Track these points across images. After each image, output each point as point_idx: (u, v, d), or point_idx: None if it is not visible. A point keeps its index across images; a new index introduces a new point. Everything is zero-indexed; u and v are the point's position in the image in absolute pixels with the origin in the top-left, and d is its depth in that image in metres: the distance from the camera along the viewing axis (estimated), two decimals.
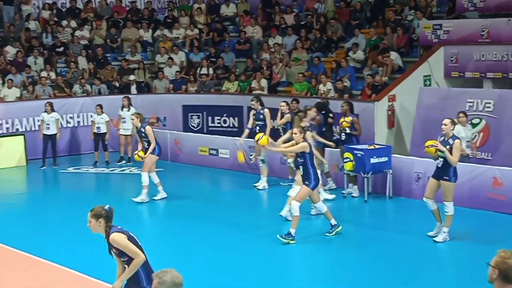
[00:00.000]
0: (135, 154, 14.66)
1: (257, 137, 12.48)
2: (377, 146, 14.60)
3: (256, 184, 15.61)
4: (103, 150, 18.57)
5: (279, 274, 10.21)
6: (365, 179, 14.20)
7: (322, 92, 18.53)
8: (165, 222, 13.58)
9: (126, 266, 6.78)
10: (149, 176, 14.42)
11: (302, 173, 11.43)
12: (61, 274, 10.06)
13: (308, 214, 12.84)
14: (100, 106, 18.58)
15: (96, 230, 6.87)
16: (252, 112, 15.96)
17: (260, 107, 15.76)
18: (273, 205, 14.02)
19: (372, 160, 14.06)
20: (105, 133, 18.50)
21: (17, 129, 19.09)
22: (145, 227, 13.07)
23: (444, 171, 11.20)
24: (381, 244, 11.58)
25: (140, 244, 6.83)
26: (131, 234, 6.83)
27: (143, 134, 14.37)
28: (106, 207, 6.79)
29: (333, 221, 11.76)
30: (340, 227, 11.77)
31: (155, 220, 13.93)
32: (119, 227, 6.84)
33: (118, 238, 6.69)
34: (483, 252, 10.91)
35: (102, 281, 9.54)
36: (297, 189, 11.90)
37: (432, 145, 11.22)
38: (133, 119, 14.65)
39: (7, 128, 18.99)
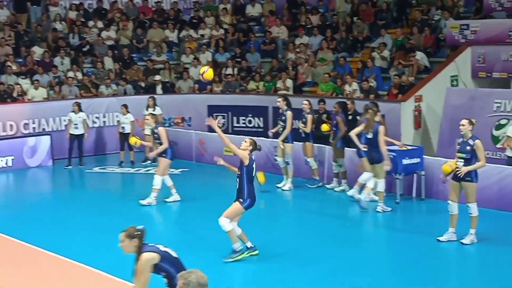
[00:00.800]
0: (132, 137, 14.91)
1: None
2: (409, 147, 14.40)
3: (279, 185, 15.57)
4: (128, 149, 18.63)
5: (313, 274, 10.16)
6: (397, 180, 14.00)
7: (348, 92, 18.45)
8: (184, 221, 13.55)
9: (165, 279, 6.66)
10: (162, 180, 14.25)
11: (237, 188, 10.53)
12: (87, 273, 10.09)
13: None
14: (125, 106, 18.65)
15: (129, 251, 6.73)
16: (280, 111, 15.87)
17: (285, 107, 15.60)
18: (298, 206, 13.97)
19: (405, 161, 13.85)
20: (129, 133, 18.57)
21: (44, 129, 19.24)
22: (163, 228, 13.08)
23: (466, 172, 11.03)
24: (409, 246, 11.48)
25: (174, 255, 6.66)
26: (165, 250, 6.68)
27: (156, 135, 14.33)
28: (140, 227, 6.68)
29: (248, 244, 10.71)
30: (257, 251, 10.72)
31: (176, 220, 13.91)
32: (152, 244, 6.68)
33: (144, 259, 6.55)
34: (511, 254, 10.83)
35: (127, 282, 9.55)
36: (365, 176, 13.02)
37: (450, 168, 11.02)
38: (147, 120, 14.62)
39: (34, 128, 19.14)
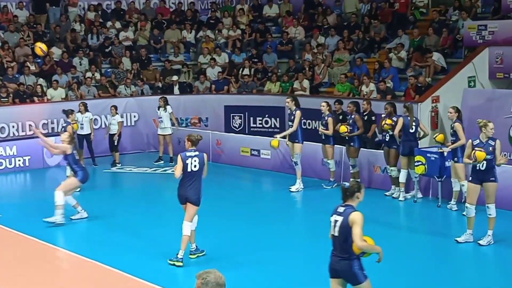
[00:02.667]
0: None
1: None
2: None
3: (292, 187, 15.56)
4: (111, 151, 18.81)
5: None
6: (439, 183, 13.87)
7: (365, 93, 18.45)
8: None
9: None
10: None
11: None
12: (105, 273, 10.18)
13: None
14: (115, 107, 18.73)
15: None
16: (288, 111, 15.91)
17: (294, 107, 15.54)
18: (307, 206, 13.99)
19: (447, 164, 13.73)
20: (114, 134, 18.61)
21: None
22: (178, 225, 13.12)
23: (489, 173, 11.05)
24: (427, 246, 11.50)
25: None
26: None
27: None
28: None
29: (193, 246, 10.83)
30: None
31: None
32: None
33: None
34: None
35: (146, 281, 9.64)
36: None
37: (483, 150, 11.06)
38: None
39: (52, 128, 19.28)
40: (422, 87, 17.60)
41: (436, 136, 14.21)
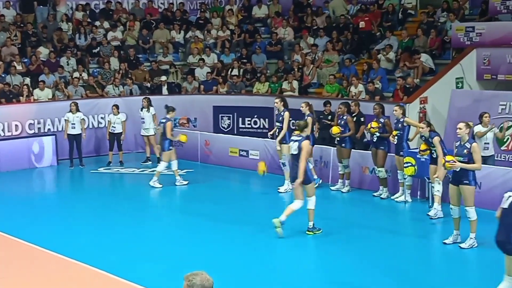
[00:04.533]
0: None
1: None
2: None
3: (280, 187, 15.50)
4: (118, 150, 18.68)
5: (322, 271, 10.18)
6: (429, 184, 13.80)
7: (354, 94, 18.46)
8: (185, 222, 13.58)
9: None
10: None
11: None
12: (93, 275, 10.12)
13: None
14: (117, 106, 18.68)
15: None
16: (276, 111, 15.85)
17: (282, 108, 15.46)
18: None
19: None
20: (120, 133, 18.57)
21: (49, 129, 19.28)
22: (166, 227, 13.10)
23: (463, 176, 10.99)
24: (413, 248, 11.50)
25: None
26: None
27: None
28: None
29: None
30: None
31: (177, 220, 13.93)
32: None
33: None
34: None
35: (133, 283, 9.59)
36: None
37: (452, 161, 11.04)
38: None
39: (39, 128, 19.18)
40: (410, 88, 17.63)
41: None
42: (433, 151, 13.04)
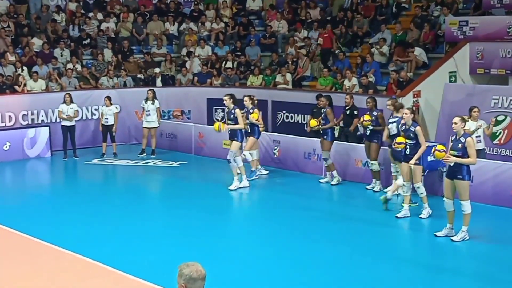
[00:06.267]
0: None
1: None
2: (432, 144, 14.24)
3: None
4: (111, 141, 18.69)
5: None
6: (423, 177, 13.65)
7: (347, 87, 18.51)
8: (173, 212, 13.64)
9: None
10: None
11: None
12: (86, 265, 10.15)
13: None
14: (109, 98, 18.65)
15: None
16: (226, 109, 15.34)
17: (232, 105, 14.81)
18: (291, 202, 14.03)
19: (429, 158, 13.49)
20: (112, 125, 18.57)
21: (42, 120, 19.27)
22: (159, 218, 13.14)
23: (458, 170, 11.02)
24: (404, 240, 11.56)
25: None
26: None
27: None
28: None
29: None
30: None
31: (169, 211, 13.97)
32: None
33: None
34: (503, 251, 10.88)
35: (127, 274, 9.62)
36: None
37: (443, 150, 11.09)
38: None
39: (32, 119, 19.17)
40: (403, 82, 17.69)
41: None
42: (407, 146, 12.48)
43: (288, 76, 20.21)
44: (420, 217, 12.47)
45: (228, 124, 14.95)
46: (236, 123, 14.76)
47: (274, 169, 16.30)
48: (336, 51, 20.42)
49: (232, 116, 14.81)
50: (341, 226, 12.29)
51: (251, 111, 15.39)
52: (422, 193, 12.54)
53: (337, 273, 9.89)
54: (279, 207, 13.65)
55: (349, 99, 16.04)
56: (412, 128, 12.41)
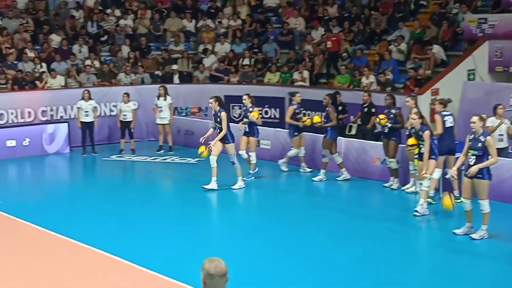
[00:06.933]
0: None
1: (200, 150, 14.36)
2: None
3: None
4: (129, 138, 18.75)
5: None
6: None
7: (365, 84, 18.48)
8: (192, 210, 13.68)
9: None
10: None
11: None
12: (104, 260, 10.21)
13: None
14: (127, 94, 18.74)
15: None
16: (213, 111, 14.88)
17: (218, 108, 14.40)
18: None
19: None
20: (131, 121, 18.63)
21: (61, 116, 19.39)
22: (178, 214, 13.19)
23: (478, 170, 10.93)
24: (422, 239, 11.55)
25: None
26: None
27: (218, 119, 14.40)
28: None
29: None
30: None
31: (189, 209, 14.03)
32: None
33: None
34: None
35: (147, 269, 9.67)
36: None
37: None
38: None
39: (52, 116, 19.29)
40: (421, 80, 17.64)
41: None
42: (421, 146, 12.48)
43: (305, 74, 20.19)
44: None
45: (216, 126, 14.52)
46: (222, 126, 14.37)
47: (291, 166, 16.29)
48: (343, 54, 20.32)
49: (218, 119, 14.46)
50: (358, 224, 12.28)
51: (250, 109, 15.37)
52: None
53: (358, 272, 9.89)
54: (294, 205, 13.70)
55: (367, 97, 16.03)
56: (420, 133, 12.42)
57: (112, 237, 11.31)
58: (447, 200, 11.66)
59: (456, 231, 11.43)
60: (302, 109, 16.21)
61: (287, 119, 16.05)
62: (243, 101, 15.56)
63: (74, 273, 9.67)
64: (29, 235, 11.56)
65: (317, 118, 15.61)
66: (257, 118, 15.43)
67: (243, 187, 14.67)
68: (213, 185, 14.43)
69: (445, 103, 13.81)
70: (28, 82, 19.56)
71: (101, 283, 9.35)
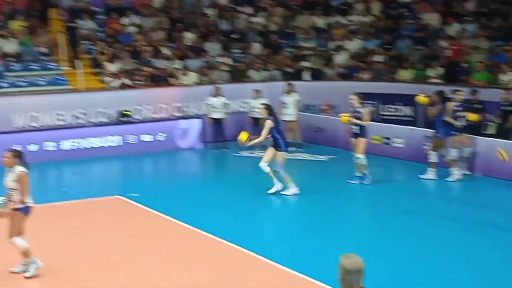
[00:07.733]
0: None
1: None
2: None
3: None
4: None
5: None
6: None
7: (504, 82, 17.72)
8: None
9: None
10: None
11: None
12: (241, 256, 10.24)
13: None
14: (258, 90, 18.84)
15: None
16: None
17: (266, 115, 13.89)
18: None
19: None
20: (258, 118, 18.66)
21: (194, 112, 19.74)
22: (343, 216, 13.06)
23: None
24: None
25: None
26: None
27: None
28: None
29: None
30: None
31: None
32: None
33: None
34: None
35: (295, 271, 9.59)
36: None
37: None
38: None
39: (185, 112, 19.69)
40: None
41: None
42: None
43: (440, 71, 19.58)
44: None
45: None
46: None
47: (423, 165, 15.83)
48: (465, 65, 19.38)
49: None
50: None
51: (360, 111, 14.70)
52: None
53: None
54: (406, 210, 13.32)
55: (506, 95, 15.35)
56: None
57: (245, 233, 11.37)
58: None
59: None
60: (461, 108, 14.91)
61: (447, 118, 14.82)
62: (351, 100, 14.84)
63: (210, 268, 9.72)
64: (162, 227, 11.76)
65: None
66: (348, 122, 14.68)
67: (298, 193, 13.98)
68: (293, 190, 13.90)
69: None
70: (163, 78, 20.04)
71: (235, 278, 9.36)
